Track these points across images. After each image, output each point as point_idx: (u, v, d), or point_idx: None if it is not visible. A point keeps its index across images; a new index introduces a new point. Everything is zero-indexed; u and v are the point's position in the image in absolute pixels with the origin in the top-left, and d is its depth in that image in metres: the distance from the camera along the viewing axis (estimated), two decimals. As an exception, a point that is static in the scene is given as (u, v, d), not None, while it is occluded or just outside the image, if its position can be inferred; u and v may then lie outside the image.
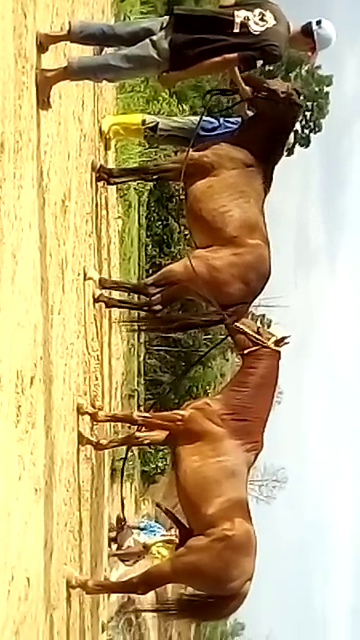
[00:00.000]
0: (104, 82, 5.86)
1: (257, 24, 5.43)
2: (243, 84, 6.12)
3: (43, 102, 4.65)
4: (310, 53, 6.04)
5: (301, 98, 6.32)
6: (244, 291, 6.13)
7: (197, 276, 6.02)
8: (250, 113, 6.44)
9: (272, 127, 6.18)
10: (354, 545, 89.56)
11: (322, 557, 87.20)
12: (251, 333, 6.35)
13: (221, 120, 7.16)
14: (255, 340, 6.34)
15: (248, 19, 5.41)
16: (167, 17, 5.42)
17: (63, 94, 5.40)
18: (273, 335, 6.49)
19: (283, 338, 6.47)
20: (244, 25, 5.38)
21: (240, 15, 5.42)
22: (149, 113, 9.55)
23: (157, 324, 6.94)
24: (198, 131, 6.80)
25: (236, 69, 5.85)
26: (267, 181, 6.27)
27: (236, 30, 5.36)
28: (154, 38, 5.24)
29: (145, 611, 9.20)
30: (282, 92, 6.09)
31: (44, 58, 4.76)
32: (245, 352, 6.38)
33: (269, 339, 6.43)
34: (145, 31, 5.32)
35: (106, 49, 6.01)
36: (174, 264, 6.50)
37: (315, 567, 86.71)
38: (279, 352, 6.43)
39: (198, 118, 7.13)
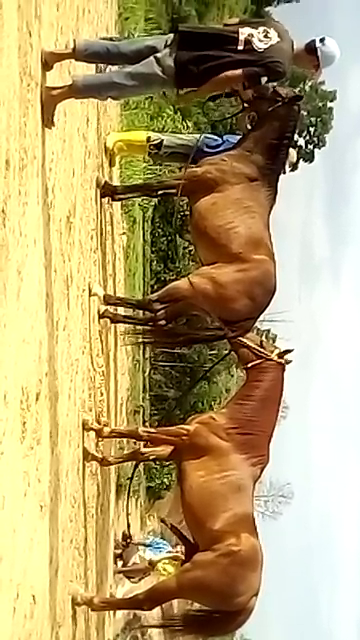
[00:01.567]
0: (109, 100, 5.90)
1: (261, 41, 5.47)
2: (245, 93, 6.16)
3: (48, 120, 4.68)
4: (314, 70, 6.07)
5: (301, 101, 6.35)
6: (250, 307, 6.17)
7: (203, 293, 6.05)
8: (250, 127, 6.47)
9: (274, 131, 6.19)
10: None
11: (329, 572, 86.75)
12: (254, 346, 6.35)
13: (224, 137, 7.19)
14: (259, 353, 6.34)
15: (252, 36, 5.46)
16: (171, 35, 5.46)
17: (68, 112, 5.43)
18: (276, 348, 6.50)
19: (287, 351, 6.47)
20: (248, 42, 5.42)
21: (244, 32, 5.47)
22: (153, 130, 9.60)
23: (162, 338, 6.96)
24: (202, 148, 6.84)
25: (241, 85, 5.88)
26: (272, 192, 6.27)
27: (240, 47, 5.40)
28: (158, 55, 5.28)
29: (151, 627, 9.17)
30: (282, 93, 6.12)
31: (49, 76, 4.80)
32: (249, 365, 6.38)
33: (272, 352, 6.43)
34: (149, 49, 5.36)
35: (110, 67, 6.05)
36: (179, 281, 6.51)
37: (322, 582, 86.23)
38: (283, 365, 6.42)
39: (202, 136, 7.18)
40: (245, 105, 6.38)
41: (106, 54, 5.38)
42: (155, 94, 12.32)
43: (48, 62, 4.73)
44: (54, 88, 4.81)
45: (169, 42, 5.36)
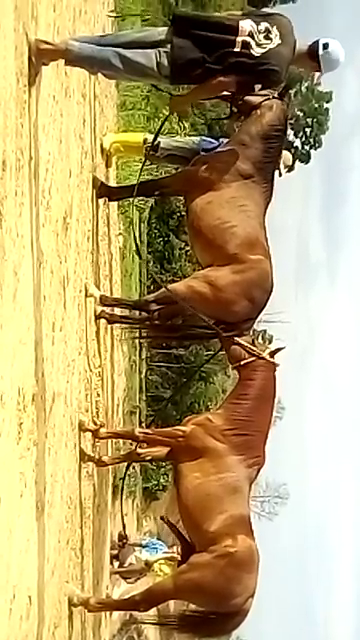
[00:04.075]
0: (99, 75, 5.68)
1: (259, 45, 5.30)
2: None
3: (32, 63, 4.37)
4: (316, 74, 5.98)
5: (288, 94, 6.31)
6: (249, 308, 6.19)
7: (201, 296, 6.06)
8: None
9: (266, 123, 6.16)
10: (357, 561, 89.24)
11: (324, 573, 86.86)
12: (247, 345, 6.34)
13: (220, 140, 7.19)
14: (251, 352, 6.33)
15: (252, 36, 5.28)
16: (166, 28, 5.27)
17: (64, 112, 5.43)
18: (267, 347, 6.49)
19: (278, 349, 6.46)
20: (246, 45, 5.27)
21: (244, 29, 5.27)
22: (150, 131, 9.59)
23: (160, 334, 6.96)
24: (199, 151, 6.84)
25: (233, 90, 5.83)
26: (268, 187, 6.25)
27: (237, 49, 5.25)
28: (160, 52, 5.15)
29: (147, 623, 9.15)
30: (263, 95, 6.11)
31: (44, 69, 4.71)
32: (242, 363, 6.36)
33: (264, 351, 6.42)
34: (146, 39, 5.21)
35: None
36: (177, 283, 6.51)
37: (317, 583, 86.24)
38: (275, 364, 6.41)
39: (199, 138, 7.16)
40: (234, 110, 6.39)
41: (98, 53, 5.19)
42: (151, 95, 12.35)
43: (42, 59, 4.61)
44: (46, 42, 4.55)
45: (165, 35, 5.18)
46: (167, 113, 7.49)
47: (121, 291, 11.21)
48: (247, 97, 6.23)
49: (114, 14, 7.44)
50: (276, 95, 6.25)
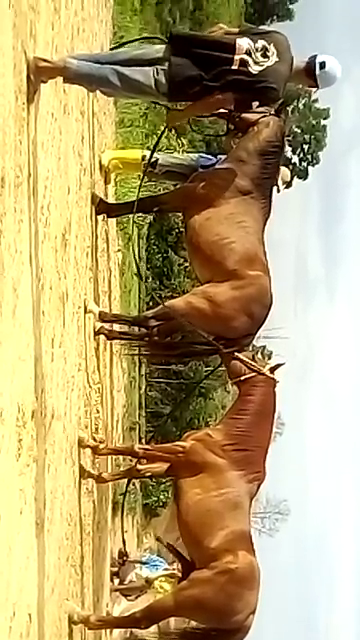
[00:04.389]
0: (97, 92, 5.71)
1: (257, 63, 5.29)
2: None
3: (31, 81, 4.37)
4: (313, 89, 6.02)
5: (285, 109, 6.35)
6: (249, 324, 6.21)
7: (200, 313, 6.07)
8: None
9: (263, 139, 6.19)
10: (358, 577, 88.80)
11: (325, 589, 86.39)
12: (247, 360, 6.35)
13: (218, 157, 7.22)
14: (251, 367, 6.34)
15: (249, 54, 5.27)
16: (164, 46, 5.28)
17: (63, 129, 5.45)
18: (267, 363, 6.50)
19: (278, 365, 6.47)
20: (243, 63, 5.26)
21: (242, 47, 5.27)
22: (148, 148, 9.63)
23: (159, 351, 6.96)
24: (197, 167, 6.87)
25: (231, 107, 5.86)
26: (267, 203, 6.28)
27: (234, 67, 5.24)
28: (157, 69, 5.17)
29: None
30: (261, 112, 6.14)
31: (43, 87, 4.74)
32: (242, 379, 6.37)
33: (264, 367, 6.43)
34: (144, 57, 5.23)
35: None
36: (176, 300, 6.52)
37: (318, 599, 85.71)
38: (274, 379, 6.42)
39: (197, 155, 7.19)
40: (231, 127, 6.42)
41: (96, 70, 5.22)
42: (149, 112, 12.39)
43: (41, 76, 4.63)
44: (44, 60, 4.55)
45: (162, 53, 5.19)
46: (164, 129, 7.52)
47: (120, 307, 11.22)
48: (244, 114, 6.27)
49: (116, 46, 7.47)
50: (273, 112, 6.29)
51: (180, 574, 6.75)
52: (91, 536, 7.13)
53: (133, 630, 9.80)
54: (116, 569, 11.30)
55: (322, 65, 5.82)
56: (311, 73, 5.84)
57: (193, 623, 6.46)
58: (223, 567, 5.86)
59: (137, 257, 14.59)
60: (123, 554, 10.93)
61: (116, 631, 10.36)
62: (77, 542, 6.20)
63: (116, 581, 11.32)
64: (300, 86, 6.33)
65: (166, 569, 11.20)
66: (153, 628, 6.80)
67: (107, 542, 9.60)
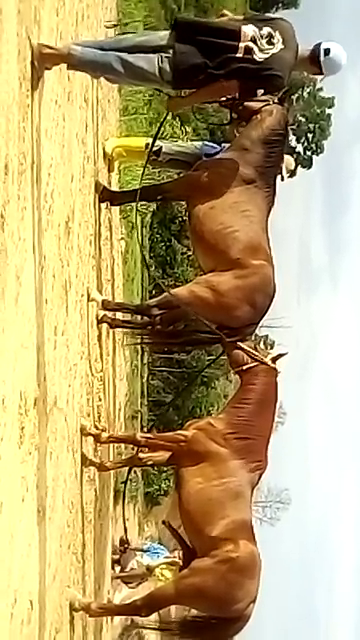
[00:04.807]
0: (101, 79, 5.69)
1: (262, 50, 5.24)
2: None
3: (35, 68, 4.38)
4: (319, 76, 5.97)
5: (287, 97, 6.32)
6: (251, 313, 6.21)
7: (203, 302, 6.06)
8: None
9: (267, 127, 6.17)
10: (358, 566, 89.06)
11: (326, 579, 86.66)
12: (249, 350, 6.35)
13: (223, 145, 7.19)
14: (253, 357, 6.33)
15: (255, 41, 5.21)
16: (168, 32, 5.24)
17: (67, 117, 5.43)
18: (270, 353, 6.50)
19: (280, 355, 6.47)
20: (248, 51, 5.20)
21: (247, 34, 5.22)
22: (152, 135, 9.61)
23: (163, 340, 6.96)
24: (201, 156, 6.84)
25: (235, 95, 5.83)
26: (271, 192, 6.25)
27: (239, 54, 5.18)
28: (162, 57, 5.13)
29: (149, 629, 9.15)
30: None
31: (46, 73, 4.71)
32: (244, 368, 6.37)
33: (266, 356, 6.43)
34: (148, 44, 5.21)
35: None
36: (179, 288, 6.51)
37: (319, 588, 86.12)
38: (277, 369, 6.42)
39: (201, 143, 7.16)
40: (234, 116, 6.39)
41: (100, 57, 5.19)
42: (154, 100, 12.36)
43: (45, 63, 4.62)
44: (48, 47, 4.54)
45: (167, 40, 5.16)
46: (169, 118, 7.49)
47: (123, 295, 11.21)
48: (247, 102, 6.25)
49: (111, 24, 7.42)
50: (276, 100, 6.26)
51: (181, 562, 6.77)
52: (92, 524, 7.14)
53: (134, 618, 9.87)
54: (117, 557, 11.32)
55: (327, 52, 5.76)
56: (316, 60, 5.77)
57: (194, 611, 6.48)
58: (224, 556, 5.88)
59: (142, 245, 14.56)
60: (124, 542, 10.97)
61: (117, 618, 10.42)
62: (79, 530, 6.21)
63: (117, 569, 11.34)
64: (305, 74, 6.28)
65: (167, 557, 11.23)
66: (154, 616, 6.83)
67: (108, 530, 9.62)
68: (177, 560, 9.58)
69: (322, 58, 5.76)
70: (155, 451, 6.44)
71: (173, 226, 22.35)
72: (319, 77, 5.98)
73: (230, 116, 6.57)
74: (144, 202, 9.64)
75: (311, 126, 39.86)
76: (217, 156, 6.73)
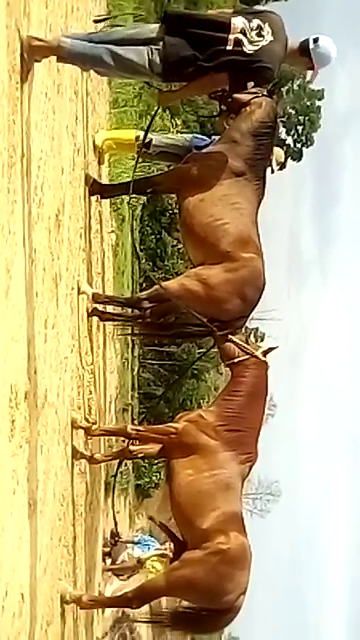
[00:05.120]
0: (91, 72, 5.66)
1: (251, 42, 5.24)
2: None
3: (25, 60, 4.35)
4: (310, 72, 5.92)
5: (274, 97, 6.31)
6: (241, 306, 6.21)
7: (193, 295, 6.06)
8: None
9: (256, 120, 6.16)
10: (348, 558, 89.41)
11: (316, 570, 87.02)
12: (240, 343, 6.36)
13: (212, 137, 7.19)
14: (244, 350, 6.35)
15: (244, 34, 5.22)
16: (157, 26, 5.24)
17: (57, 109, 5.42)
18: (260, 346, 6.51)
19: (271, 348, 6.48)
20: (238, 43, 5.21)
21: (236, 26, 5.22)
22: (142, 128, 9.59)
23: (153, 332, 6.95)
24: (191, 148, 6.83)
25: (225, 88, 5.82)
26: (260, 185, 6.25)
27: (229, 47, 5.19)
28: (152, 49, 5.12)
29: (140, 621, 9.20)
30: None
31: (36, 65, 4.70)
32: (235, 361, 6.38)
33: (257, 350, 6.44)
34: (138, 36, 5.19)
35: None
36: (169, 282, 6.51)
37: (309, 580, 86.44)
38: (267, 362, 6.44)
39: (190, 136, 7.15)
40: (223, 108, 6.38)
41: (90, 50, 5.17)
42: (144, 92, 12.33)
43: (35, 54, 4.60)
44: (38, 39, 4.53)
45: (156, 33, 5.15)
46: (160, 111, 7.47)
47: (113, 288, 11.20)
48: (236, 95, 6.24)
49: (100, 18, 7.39)
50: (265, 93, 6.25)
51: (172, 554, 6.79)
52: (83, 517, 7.15)
53: (125, 609, 9.89)
54: (108, 549, 11.34)
55: (315, 40, 5.75)
56: (305, 50, 5.75)
57: (184, 603, 6.50)
58: (215, 548, 5.89)
59: (133, 238, 14.55)
60: (115, 534, 10.98)
61: (108, 610, 10.45)
62: (69, 523, 6.22)
63: (108, 561, 11.36)
64: (295, 67, 6.24)
65: (158, 549, 11.25)
66: (145, 608, 6.85)
67: (99, 523, 9.63)
68: (168, 552, 9.60)
69: (312, 45, 5.73)
70: (146, 444, 6.45)
71: (163, 219, 22.31)
72: (309, 73, 5.95)
73: (219, 108, 6.57)
74: (134, 195, 9.63)
75: (301, 118, 39.80)
76: (207, 149, 6.73)
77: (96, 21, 7.16)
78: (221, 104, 6.44)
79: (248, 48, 5.25)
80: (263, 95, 6.27)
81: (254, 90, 6.03)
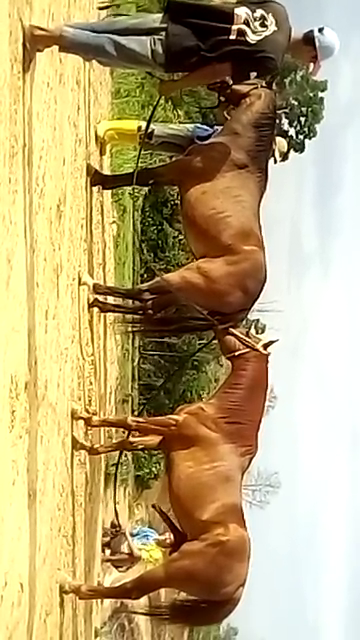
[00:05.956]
0: (94, 62, 5.64)
1: (255, 33, 5.20)
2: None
3: (27, 49, 4.35)
4: (312, 64, 5.85)
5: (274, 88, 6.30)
6: (243, 298, 6.21)
7: (195, 288, 6.06)
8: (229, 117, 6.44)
9: (256, 111, 6.15)
10: (347, 550, 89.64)
11: (315, 562, 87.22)
12: (241, 336, 6.36)
13: (215, 127, 7.16)
14: (245, 343, 6.35)
15: (247, 24, 5.17)
16: (160, 15, 5.21)
17: (59, 99, 5.40)
18: (261, 339, 6.51)
19: (271, 342, 6.48)
20: (241, 33, 5.16)
21: (240, 16, 5.17)
22: (144, 118, 9.56)
23: (152, 326, 6.95)
24: (193, 138, 6.81)
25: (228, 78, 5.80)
26: (263, 177, 6.24)
27: (232, 37, 5.14)
28: (154, 39, 5.10)
29: (138, 613, 9.22)
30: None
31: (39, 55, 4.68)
32: (236, 354, 6.39)
33: (257, 343, 6.44)
34: (141, 26, 5.17)
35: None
36: (170, 274, 6.51)
37: (308, 571, 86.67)
38: (267, 355, 6.44)
39: (193, 126, 7.13)
40: (222, 99, 6.36)
41: (92, 40, 5.15)
42: (146, 82, 12.29)
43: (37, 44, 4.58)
44: (40, 28, 4.51)
45: (159, 22, 5.12)
46: (162, 101, 7.44)
47: (114, 279, 11.18)
48: (235, 86, 6.21)
49: (103, 5, 7.36)
50: (264, 84, 6.23)
51: (170, 543, 6.80)
52: (83, 507, 7.16)
53: (124, 600, 9.92)
54: (107, 540, 11.36)
55: (320, 30, 5.71)
56: (310, 39, 5.70)
57: (183, 595, 6.51)
58: (214, 539, 5.90)
59: (134, 229, 14.53)
60: (115, 525, 10.99)
61: (107, 601, 10.48)
62: (69, 513, 6.23)
63: (107, 552, 11.38)
64: (298, 59, 6.19)
65: (156, 539, 11.27)
66: (144, 599, 6.87)
67: (99, 513, 9.65)
68: (167, 541, 9.61)
69: (316, 33, 5.67)
70: (146, 435, 6.46)
71: (165, 210, 22.26)
72: (311, 66, 5.88)
73: (218, 99, 6.55)
74: (136, 186, 9.61)
75: (304, 109, 39.65)
76: (209, 140, 6.71)
77: (100, 8, 7.14)
78: (220, 95, 6.42)
79: (251, 38, 5.21)
80: (262, 86, 6.25)
81: (253, 81, 6.01)
